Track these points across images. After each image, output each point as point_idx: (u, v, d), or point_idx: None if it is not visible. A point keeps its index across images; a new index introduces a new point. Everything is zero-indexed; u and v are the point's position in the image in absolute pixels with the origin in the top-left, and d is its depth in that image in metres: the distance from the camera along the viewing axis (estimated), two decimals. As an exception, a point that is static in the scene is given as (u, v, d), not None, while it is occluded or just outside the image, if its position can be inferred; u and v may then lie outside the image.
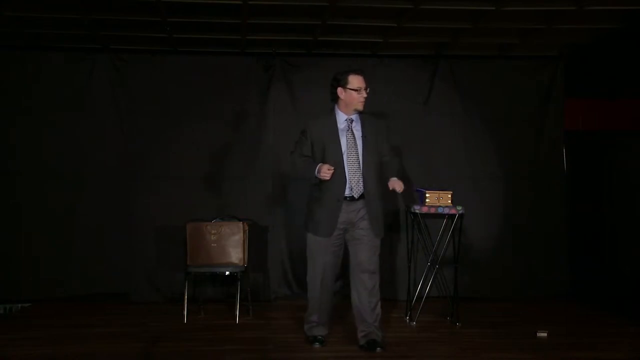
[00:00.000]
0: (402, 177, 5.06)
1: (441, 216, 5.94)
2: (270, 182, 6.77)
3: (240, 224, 6.00)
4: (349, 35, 6.44)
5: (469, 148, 6.96)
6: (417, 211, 5.82)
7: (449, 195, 5.81)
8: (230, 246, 5.92)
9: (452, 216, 5.85)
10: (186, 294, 5.89)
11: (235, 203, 6.74)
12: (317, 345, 5.01)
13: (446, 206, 5.78)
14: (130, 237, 6.72)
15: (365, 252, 4.88)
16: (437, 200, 5.79)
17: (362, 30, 6.30)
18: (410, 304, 5.96)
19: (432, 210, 5.79)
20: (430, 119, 6.98)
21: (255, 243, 6.52)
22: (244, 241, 5.95)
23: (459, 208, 5.80)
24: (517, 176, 7.00)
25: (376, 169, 4.92)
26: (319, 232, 4.88)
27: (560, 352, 4.94)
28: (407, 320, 5.91)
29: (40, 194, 6.66)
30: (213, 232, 5.92)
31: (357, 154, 4.85)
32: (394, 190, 4.90)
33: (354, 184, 4.84)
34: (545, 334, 5.36)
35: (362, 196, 4.86)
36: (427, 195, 5.80)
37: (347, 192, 4.84)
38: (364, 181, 4.84)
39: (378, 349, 4.88)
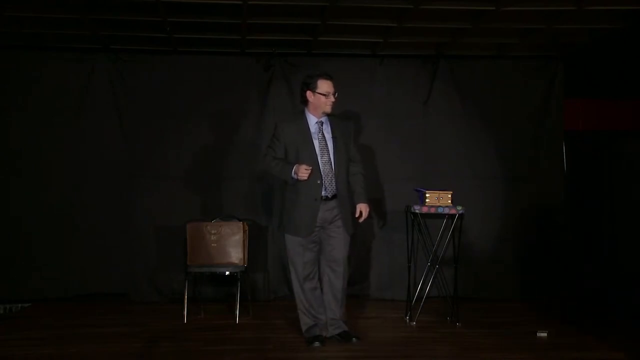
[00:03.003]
0: (367, 191, 5.29)
1: (441, 216, 5.94)
2: (270, 182, 6.76)
3: (240, 224, 6.00)
4: (349, 35, 6.44)
5: (469, 148, 6.96)
6: (417, 211, 5.82)
7: (449, 195, 5.82)
8: (230, 246, 5.92)
9: (452, 216, 5.85)
10: (186, 294, 5.89)
11: (235, 203, 6.75)
12: (317, 344, 5.03)
13: (446, 206, 5.78)
14: (130, 237, 6.73)
15: (339, 249, 5.11)
16: (437, 200, 5.79)
17: (362, 30, 6.30)
18: (410, 304, 5.96)
19: (432, 210, 5.80)
20: (430, 119, 6.98)
21: (255, 243, 6.53)
22: (244, 241, 5.95)
23: (459, 208, 5.80)
24: (517, 176, 7.00)
25: (346, 168, 5.15)
26: (299, 233, 5.04)
27: (560, 352, 4.94)
28: (407, 320, 5.91)
29: (40, 194, 6.66)
30: (213, 232, 5.92)
31: (329, 155, 5.06)
32: (360, 216, 5.18)
33: (327, 184, 5.04)
34: (545, 334, 5.36)
35: (334, 196, 5.06)
36: (427, 195, 5.81)
37: (322, 193, 5.03)
38: (336, 181, 5.06)
39: (354, 339, 5.13)
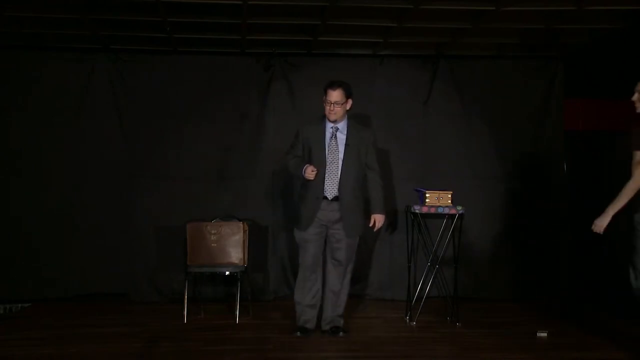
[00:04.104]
0: (383, 201, 5.41)
1: (441, 216, 5.94)
2: (270, 182, 6.77)
3: (240, 224, 6.01)
4: (349, 35, 6.44)
5: (469, 148, 6.96)
6: (417, 211, 5.82)
7: (449, 195, 5.82)
8: (230, 246, 5.92)
9: (452, 216, 5.85)
10: (186, 294, 5.88)
11: (235, 203, 6.75)
12: (298, 334, 5.29)
13: (446, 206, 5.78)
14: (130, 237, 6.72)
15: (341, 250, 5.30)
16: (437, 200, 5.80)
17: (362, 30, 6.30)
18: (410, 304, 5.96)
19: (432, 210, 5.80)
20: (430, 119, 6.98)
21: (255, 243, 6.53)
22: (244, 241, 5.95)
23: (459, 208, 5.81)
24: (517, 176, 7.00)
25: (356, 175, 5.28)
26: (300, 226, 5.30)
27: (560, 352, 4.94)
28: (407, 320, 5.91)
29: (40, 194, 6.66)
30: (213, 232, 5.93)
31: (337, 160, 5.24)
32: (373, 225, 5.36)
33: (329, 186, 5.23)
34: (545, 334, 5.36)
35: (336, 198, 5.23)
36: (427, 195, 5.81)
37: (324, 193, 5.24)
38: (339, 185, 5.23)
39: (341, 333, 5.36)
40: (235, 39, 6.51)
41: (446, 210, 5.79)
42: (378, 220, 5.35)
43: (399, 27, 6.08)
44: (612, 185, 7.45)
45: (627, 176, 7.70)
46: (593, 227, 4.75)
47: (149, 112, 6.79)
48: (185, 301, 5.86)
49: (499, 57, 7.01)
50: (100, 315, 6.05)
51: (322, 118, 5.33)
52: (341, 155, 5.23)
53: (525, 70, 7.05)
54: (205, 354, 4.88)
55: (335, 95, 5.18)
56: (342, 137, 5.27)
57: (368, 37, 6.49)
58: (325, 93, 5.23)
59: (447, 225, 6.05)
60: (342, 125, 5.30)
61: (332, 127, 5.28)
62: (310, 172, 5.12)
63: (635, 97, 4.95)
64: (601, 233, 4.74)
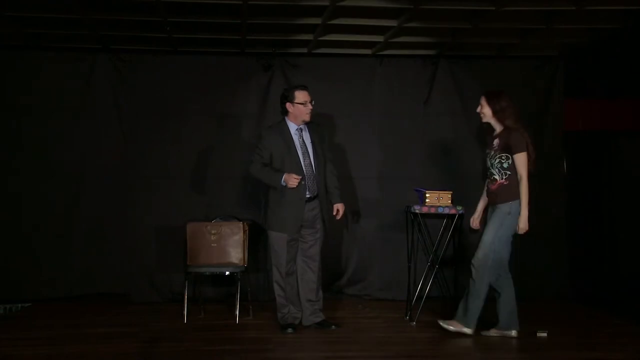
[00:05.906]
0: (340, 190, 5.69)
1: (441, 216, 5.94)
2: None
3: (240, 224, 6.01)
4: (349, 35, 6.44)
5: (469, 148, 6.96)
6: (417, 211, 5.82)
7: (449, 195, 5.82)
8: (230, 246, 5.92)
9: (452, 216, 5.85)
10: (186, 294, 5.88)
11: (235, 203, 6.75)
12: (290, 330, 5.39)
13: (446, 206, 5.78)
14: (130, 237, 6.72)
15: (316, 246, 5.52)
16: (437, 200, 5.80)
17: (362, 30, 6.31)
18: (410, 304, 5.96)
19: (432, 210, 5.79)
20: (430, 119, 6.98)
21: (255, 243, 6.53)
22: (244, 241, 5.95)
23: (459, 208, 5.80)
24: (516, 176, 6.98)
25: (324, 171, 5.55)
26: (286, 230, 5.39)
27: (560, 352, 4.94)
28: (407, 320, 5.91)
29: (40, 194, 6.66)
30: (213, 232, 5.92)
31: (309, 158, 5.46)
32: (337, 214, 5.58)
33: (310, 185, 5.43)
34: (545, 334, 5.36)
35: (316, 196, 5.47)
36: (427, 195, 5.80)
37: (307, 194, 5.41)
38: (317, 182, 5.47)
39: (333, 326, 5.53)
40: (235, 39, 6.51)
41: (446, 210, 5.79)
42: (341, 208, 5.58)
43: (399, 27, 6.08)
44: (611, 186, 7.49)
45: (627, 176, 7.72)
46: (521, 231, 5.16)
47: (149, 112, 6.79)
48: (185, 301, 5.86)
49: (499, 57, 7.01)
50: (100, 315, 6.05)
51: (283, 122, 5.49)
52: (311, 154, 5.45)
53: (525, 70, 7.05)
54: (205, 354, 4.88)
55: (309, 94, 5.42)
56: (307, 136, 5.49)
57: (368, 37, 6.49)
58: (295, 97, 5.38)
59: (447, 225, 6.04)
60: (303, 125, 5.50)
61: (297, 129, 5.46)
62: (294, 180, 5.26)
63: (478, 108, 5.27)
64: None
